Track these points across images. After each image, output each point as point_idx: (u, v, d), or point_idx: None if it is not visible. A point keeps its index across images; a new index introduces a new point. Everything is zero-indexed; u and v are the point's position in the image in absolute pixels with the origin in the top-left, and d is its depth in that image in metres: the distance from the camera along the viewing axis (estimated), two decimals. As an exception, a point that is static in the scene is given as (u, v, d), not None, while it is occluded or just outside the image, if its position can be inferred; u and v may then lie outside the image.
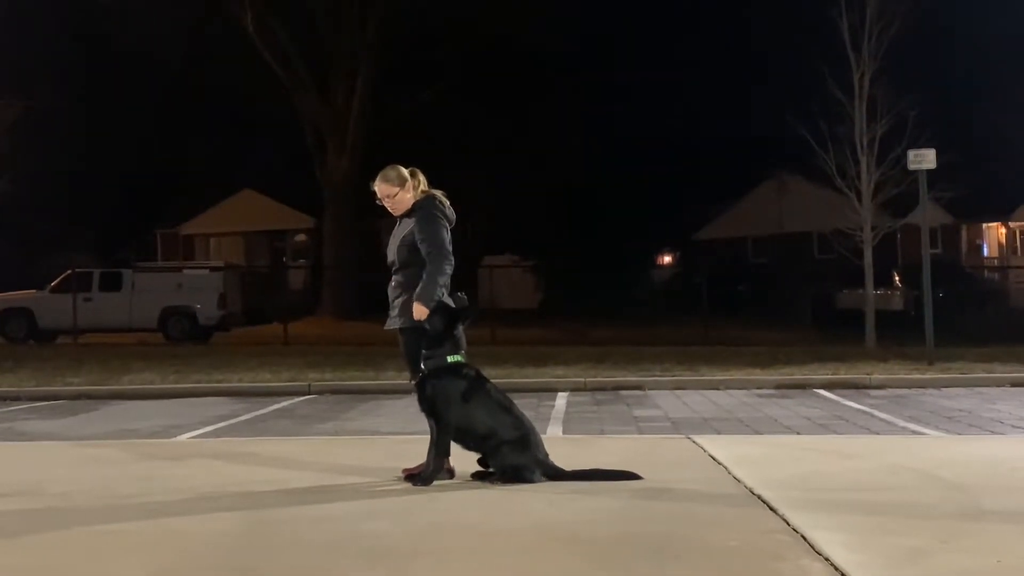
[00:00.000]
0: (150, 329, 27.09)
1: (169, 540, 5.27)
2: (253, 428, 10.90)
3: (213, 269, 30.50)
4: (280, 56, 32.17)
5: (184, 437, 10.04)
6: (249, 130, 40.83)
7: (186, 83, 37.15)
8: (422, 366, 6.63)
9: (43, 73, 32.88)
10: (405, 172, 6.88)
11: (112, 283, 27.71)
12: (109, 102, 39.02)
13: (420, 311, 6.53)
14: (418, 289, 6.58)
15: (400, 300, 6.77)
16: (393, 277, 6.87)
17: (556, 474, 6.53)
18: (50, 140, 35.78)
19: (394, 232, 6.93)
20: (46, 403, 13.74)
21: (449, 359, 6.57)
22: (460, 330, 6.66)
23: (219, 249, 44.02)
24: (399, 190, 6.83)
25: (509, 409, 6.62)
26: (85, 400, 13.98)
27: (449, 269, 6.65)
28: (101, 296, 27.33)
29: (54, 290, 27.58)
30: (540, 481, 6.45)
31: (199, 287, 28.05)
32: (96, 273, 28.15)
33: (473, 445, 6.61)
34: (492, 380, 6.86)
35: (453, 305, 6.63)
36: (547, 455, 6.62)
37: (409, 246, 6.72)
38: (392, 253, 6.87)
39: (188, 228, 45.87)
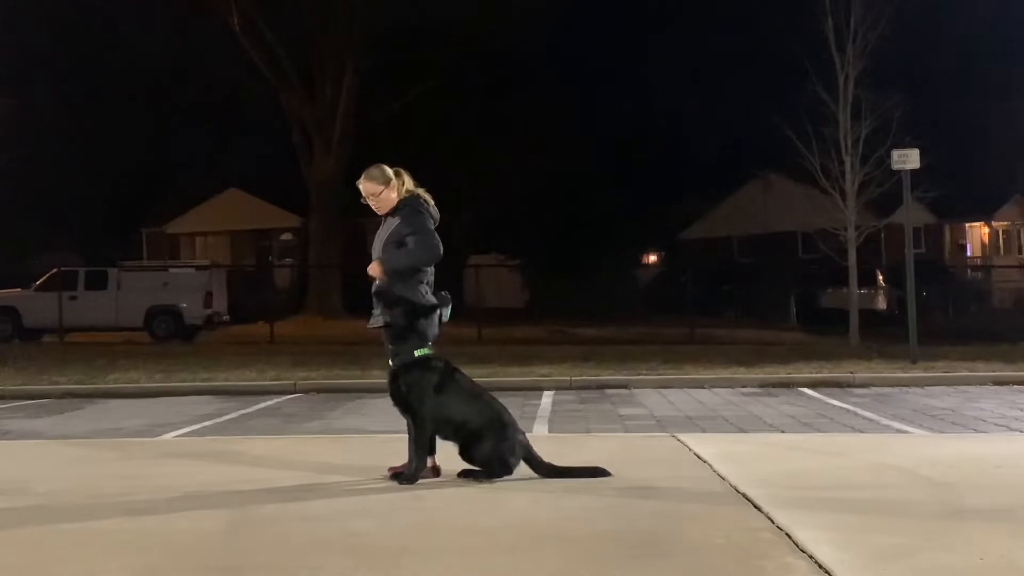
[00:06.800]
0: (136, 328, 27.03)
1: (154, 539, 5.26)
2: (239, 427, 10.89)
3: (199, 268, 30.45)
4: (266, 55, 32.11)
5: (169, 436, 10.02)
6: (235, 129, 40.72)
7: (172, 82, 37.02)
8: (390, 363, 6.64)
9: (28, 71, 32.74)
10: (390, 171, 6.88)
11: (98, 282, 27.64)
12: (95, 101, 38.86)
13: (375, 269, 6.60)
14: (387, 254, 6.62)
15: (384, 298, 6.77)
16: None
17: (534, 461, 6.55)
18: (35, 139, 35.60)
19: (378, 232, 6.92)
20: (31, 402, 13.71)
21: (416, 353, 6.55)
22: (423, 324, 6.59)
23: (205, 248, 43.91)
24: (383, 189, 6.83)
25: (480, 396, 6.66)
26: (70, 399, 13.94)
27: (430, 256, 6.66)
28: (87, 295, 27.26)
29: (40, 289, 27.50)
30: (518, 464, 6.49)
31: (185, 286, 28.02)
32: (82, 272, 28.08)
33: (450, 434, 6.61)
34: (478, 379, 6.87)
35: (435, 302, 6.66)
36: (524, 433, 6.68)
37: (394, 245, 6.70)
38: (377, 252, 6.85)
39: (174, 227, 45.73)
